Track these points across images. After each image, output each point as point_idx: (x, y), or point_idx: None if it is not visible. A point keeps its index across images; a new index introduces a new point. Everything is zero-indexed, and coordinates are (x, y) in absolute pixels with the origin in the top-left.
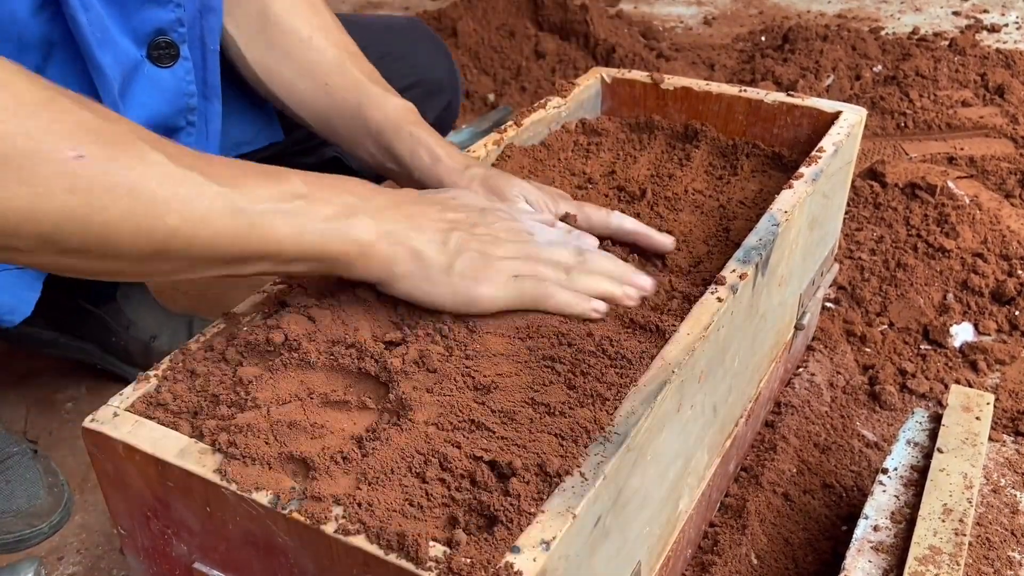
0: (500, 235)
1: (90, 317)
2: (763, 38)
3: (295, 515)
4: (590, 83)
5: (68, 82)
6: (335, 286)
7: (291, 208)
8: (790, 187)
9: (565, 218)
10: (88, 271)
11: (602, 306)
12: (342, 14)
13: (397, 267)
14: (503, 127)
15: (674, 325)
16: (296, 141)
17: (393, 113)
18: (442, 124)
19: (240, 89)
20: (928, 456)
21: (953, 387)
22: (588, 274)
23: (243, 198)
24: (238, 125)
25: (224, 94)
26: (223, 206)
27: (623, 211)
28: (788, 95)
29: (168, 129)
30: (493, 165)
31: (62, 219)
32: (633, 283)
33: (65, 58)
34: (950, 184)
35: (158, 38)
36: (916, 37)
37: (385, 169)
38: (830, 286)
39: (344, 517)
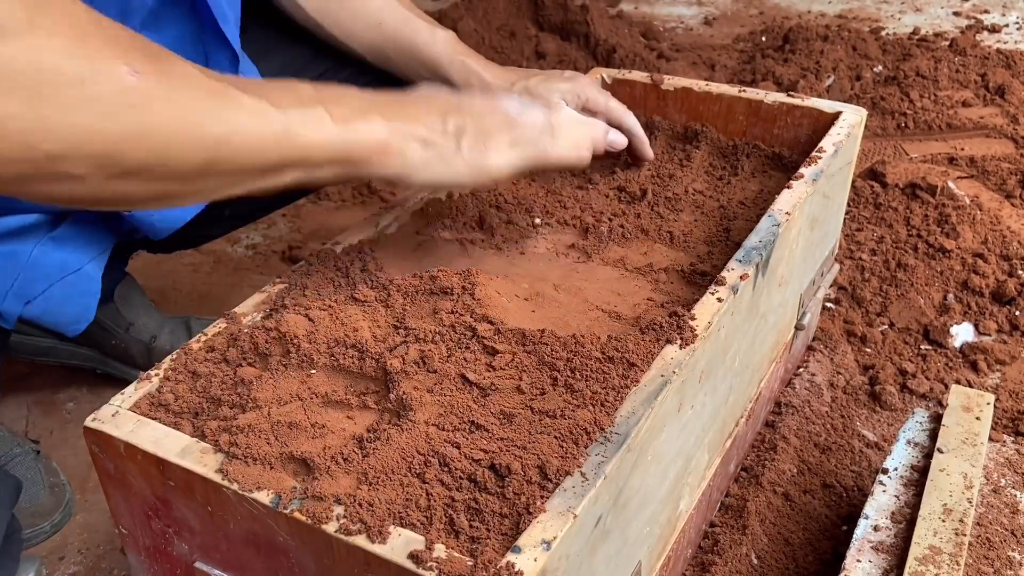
0: (486, 116)
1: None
2: (764, 38)
3: (296, 515)
4: (588, 78)
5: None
6: (334, 287)
7: (314, 113)
8: (790, 187)
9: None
10: (136, 196)
11: (588, 153)
12: None
13: (412, 157)
14: None
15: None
16: None
17: (443, 46)
18: None
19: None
20: (928, 456)
21: (953, 387)
22: (566, 126)
23: (272, 107)
24: None
25: None
26: (259, 114)
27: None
28: (788, 95)
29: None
30: None
31: (122, 137)
32: (601, 129)
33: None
34: (950, 184)
35: None
36: (916, 37)
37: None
38: (830, 286)
39: (345, 517)
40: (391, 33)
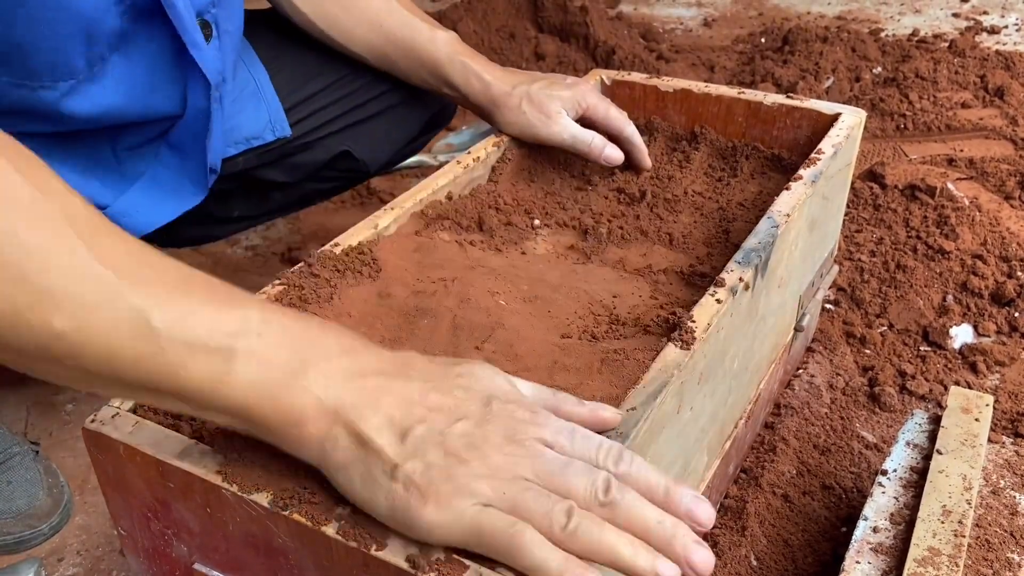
0: (491, 439)
1: None
2: (763, 40)
3: (295, 516)
4: (590, 85)
5: (129, 65)
6: (331, 287)
7: (220, 345)
8: (789, 189)
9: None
10: None
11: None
12: None
13: (334, 454)
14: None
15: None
16: (303, 134)
17: (444, 46)
18: (439, 119)
19: (251, 86)
20: (927, 457)
21: (952, 389)
22: (603, 527)
23: (164, 318)
24: (247, 121)
25: (236, 91)
26: (131, 323)
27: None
28: (787, 97)
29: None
30: (493, 167)
31: None
32: (679, 554)
33: (128, 46)
34: (950, 186)
35: (198, 18)
36: (916, 39)
37: (442, 93)
38: (830, 288)
39: (344, 519)
40: (391, 35)
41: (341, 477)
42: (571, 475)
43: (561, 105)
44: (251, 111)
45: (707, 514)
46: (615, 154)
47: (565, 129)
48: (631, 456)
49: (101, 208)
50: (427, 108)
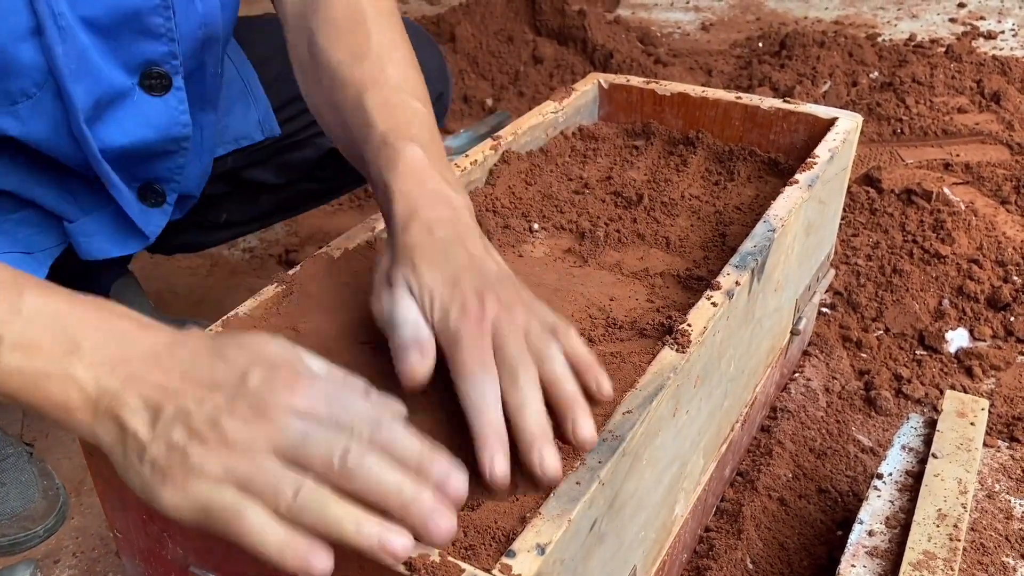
0: (237, 413)
1: None
2: (760, 44)
3: None
4: (587, 88)
5: (58, 108)
6: (328, 291)
7: None
8: (786, 193)
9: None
10: None
11: (320, 565)
12: None
13: (104, 439)
14: (500, 133)
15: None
16: (292, 133)
17: (389, 174)
18: (435, 116)
19: (239, 85)
20: (923, 461)
21: (948, 392)
22: (328, 501)
23: None
24: (236, 121)
25: (224, 91)
26: None
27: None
28: (784, 101)
29: (157, 153)
30: (490, 171)
31: None
32: (416, 522)
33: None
34: (946, 190)
35: (151, 68)
36: (913, 44)
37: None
38: (826, 291)
39: None
40: (353, 135)
41: (112, 461)
42: (310, 445)
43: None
44: (240, 111)
45: (459, 484)
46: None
47: (390, 306)
48: (391, 423)
49: (68, 222)
50: None
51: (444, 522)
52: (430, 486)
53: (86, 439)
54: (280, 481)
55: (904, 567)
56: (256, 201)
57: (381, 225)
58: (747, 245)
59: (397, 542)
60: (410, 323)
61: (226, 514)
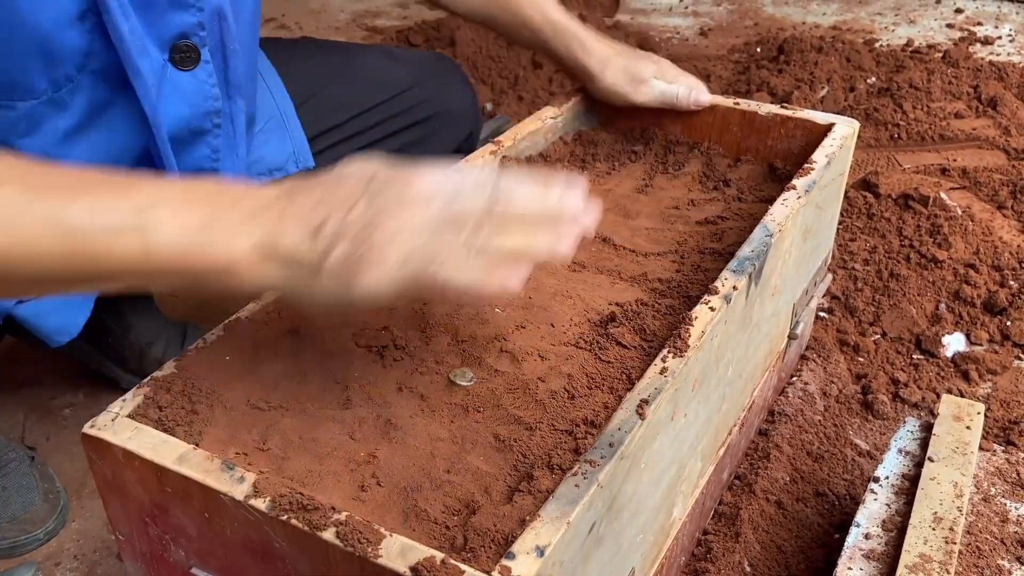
0: (385, 210)
1: (91, 317)
2: (758, 49)
3: (293, 521)
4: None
5: (100, 90)
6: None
7: (137, 223)
8: (783, 198)
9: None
10: None
11: (514, 280)
12: (377, 45)
13: (269, 279)
14: (499, 138)
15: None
16: (324, 166)
17: (548, 12)
18: (461, 153)
19: (277, 118)
20: (919, 465)
21: (944, 397)
22: (500, 229)
23: (78, 215)
24: (272, 153)
25: (259, 121)
26: (51, 227)
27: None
28: (782, 107)
29: (194, 132)
30: None
31: None
32: (569, 228)
33: (100, 67)
34: (943, 195)
35: (180, 42)
36: (910, 49)
37: (541, 54)
38: (823, 296)
39: (341, 523)
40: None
41: (289, 296)
42: (460, 207)
43: (650, 73)
44: (275, 143)
45: (579, 194)
46: (702, 97)
47: (653, 89)
48: (498, 174)
49: None
50: (449, 143)
51: (590, 213)
52: (559, 207)
53: (255, 287)
54: (458, 235)
55: (900, 570)
56: None
57: None
58: (745, 250)
59: (565, 245)
60: (671, 87)
61: (428, 277)
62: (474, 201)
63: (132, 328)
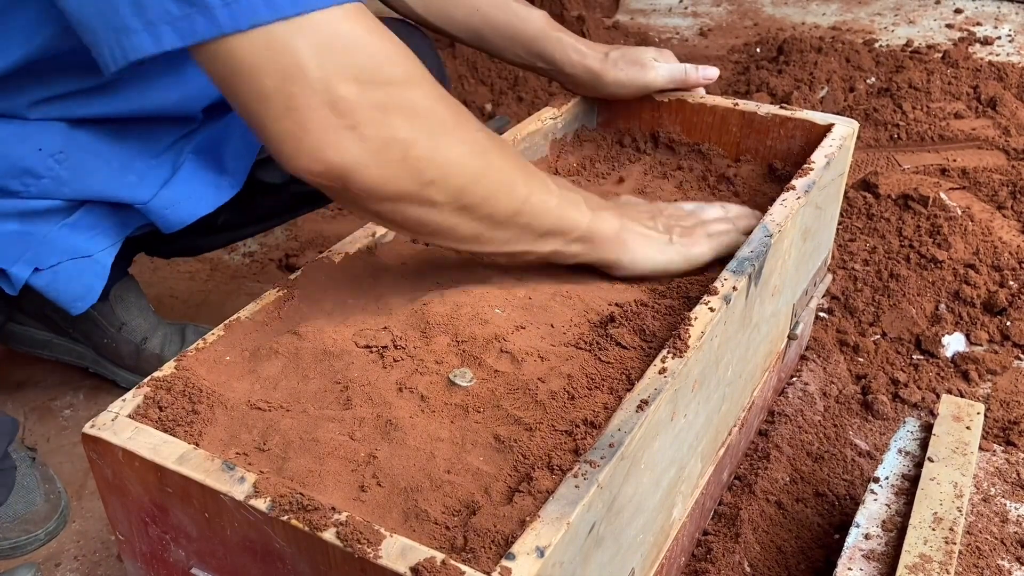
0: (678, 215)
1: (83, 317)
2: (758, 50)
3: (293, 522)
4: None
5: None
6: (328, 295)
7: (574, 199)
8: (783, 199)
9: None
10: (458, 233)
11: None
12: None
13: (633, 246)
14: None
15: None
16: None
17: (538, 23)
18: None
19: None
20: (919, 465)
21: (944, 397)
22: (718, 225)
23: (552, 186)
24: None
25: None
26: (544, 187)
27: None
28: (781, 107)
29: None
30: None
31: (473, 175)
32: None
33: None
34: (942, 195)
35: None
36: (909, 49)
37: (533, 68)
38: (823, 296)
39: (341, 524)
40: (488, 16)
41: (642, 260)
42: (703, 217)
43: (650, 56)
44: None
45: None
46: (711, 71)
47: (659, 71)
48: (710, 206)
49: (142, 203)
50: None
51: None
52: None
53: (613, 253)
54: (716, 226)
55: (900, 570)
56: (253, 203)
57: (381, 230)
58: (744, 251)
59: (740, 230)
60: (677, 66)
61: (726, 244)
62: (711, 212)
63: (124, 326)
